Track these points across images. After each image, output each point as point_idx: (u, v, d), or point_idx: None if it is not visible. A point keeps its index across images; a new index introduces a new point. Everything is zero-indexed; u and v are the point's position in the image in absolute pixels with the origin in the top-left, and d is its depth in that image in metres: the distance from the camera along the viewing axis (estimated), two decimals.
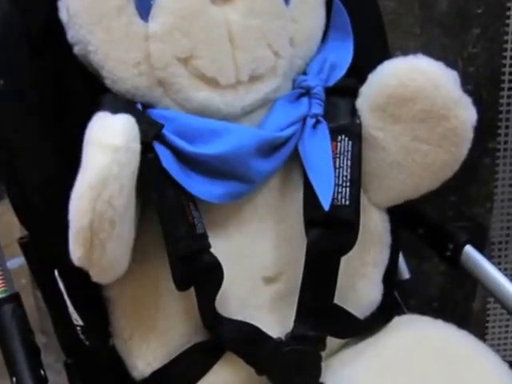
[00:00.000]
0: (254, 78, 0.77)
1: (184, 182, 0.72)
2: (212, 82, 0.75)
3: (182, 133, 0.73)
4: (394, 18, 0.92)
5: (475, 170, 1.34)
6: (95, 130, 0.65)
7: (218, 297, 0.75)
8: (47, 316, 0.81)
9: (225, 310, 0.76)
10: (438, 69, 0.78)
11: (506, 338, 1.47)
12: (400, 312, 0.92)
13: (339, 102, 0.82)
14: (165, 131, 0.72)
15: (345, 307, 0.82)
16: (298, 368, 0.78)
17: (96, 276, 0.69)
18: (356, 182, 0.79)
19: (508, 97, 1.30)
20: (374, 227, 0.86)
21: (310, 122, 0.80)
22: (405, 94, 0.77)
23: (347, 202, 0.78)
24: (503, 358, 0.81)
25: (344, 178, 0.78)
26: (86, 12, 0.73)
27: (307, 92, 0.81)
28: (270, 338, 0.78)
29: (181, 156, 0.73)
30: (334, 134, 0.79)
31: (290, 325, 0.78)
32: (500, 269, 0.89)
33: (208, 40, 0.74)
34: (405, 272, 0.98)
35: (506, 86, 1.29)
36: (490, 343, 1.45)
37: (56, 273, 0.75)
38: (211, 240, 0.74)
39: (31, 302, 0.81)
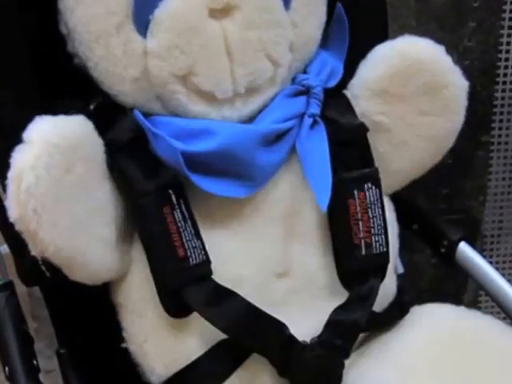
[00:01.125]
0: (251, 90, 0.77)
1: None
2: (209, 96, 0.75)
3: (179, 135, 0.73)
4: (389, 10, 0.92)
5: (469, 163, 1.34)
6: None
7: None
8: (39, 302, 0.81)
9: None
10: (430, 43, 0.81)
11: None
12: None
13: (353, 152, 0.82)
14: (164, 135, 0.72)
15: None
16: (321, 374, 0.76)
17: (69, 274, 0.70)
18: (386, 226, 0.80)
19: (502, 90, 1.30)
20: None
21: (308, 121, 0.79)
22: (408, 69, 0.80)
23: (384, 249, 0.80)
24: None
25: (379, 227, 0.79)
26: (85, 29, 0.72)
27: (307, 91, 0.81)
28: (296, 340, 0.76)
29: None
30: (360, 183, 0.79)
31: (304, 321, 0.77)
32: (492, 262, 0.89)
33: (206, 56, 0.73)
34: (399, 266, 0.98)
35: (500, 79, 1.30)
36: None
37: None
38: (217, 238, 0.75)
39: (23, 287, 0.80)
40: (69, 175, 0.66)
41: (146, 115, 0.75)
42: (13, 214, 0.65)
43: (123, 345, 0.78)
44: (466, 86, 0.82)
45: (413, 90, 0.81)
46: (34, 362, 0.76)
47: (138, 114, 0.74)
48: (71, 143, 0.66)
